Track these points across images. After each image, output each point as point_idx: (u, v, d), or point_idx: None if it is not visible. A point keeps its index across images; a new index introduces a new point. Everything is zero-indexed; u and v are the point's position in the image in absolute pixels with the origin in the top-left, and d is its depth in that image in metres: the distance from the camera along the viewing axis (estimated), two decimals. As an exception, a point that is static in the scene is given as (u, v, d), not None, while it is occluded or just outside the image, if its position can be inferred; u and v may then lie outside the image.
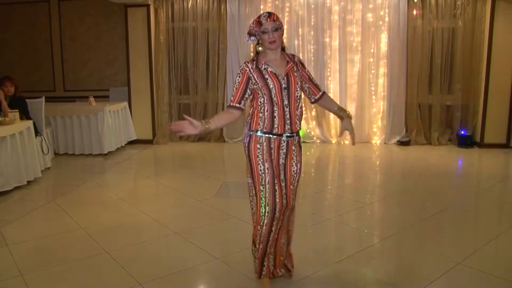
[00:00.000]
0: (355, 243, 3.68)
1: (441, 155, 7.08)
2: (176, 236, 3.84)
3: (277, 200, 2.70)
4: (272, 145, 2.72)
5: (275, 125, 2.69)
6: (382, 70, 7.70)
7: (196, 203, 4.76)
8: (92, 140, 7.11)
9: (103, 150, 7.08)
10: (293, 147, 2.78)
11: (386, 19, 7.55)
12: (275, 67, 2.69)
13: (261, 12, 7.72)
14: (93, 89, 8.35)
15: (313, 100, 2.90)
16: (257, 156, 2.71)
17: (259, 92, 2.68)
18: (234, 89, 2.73)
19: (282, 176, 2.75)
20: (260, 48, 2.71)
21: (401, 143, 7.65)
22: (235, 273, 3.16)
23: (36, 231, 4.11)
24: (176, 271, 3.17)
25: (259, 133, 2.71)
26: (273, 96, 2.66)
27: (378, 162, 6.91)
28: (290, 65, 2.73)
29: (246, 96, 2.73)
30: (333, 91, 7.84)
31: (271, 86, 2.65)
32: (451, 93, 7.58)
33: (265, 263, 2.85)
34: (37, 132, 5.97)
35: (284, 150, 2.75)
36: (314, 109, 7.90)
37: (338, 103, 7.71)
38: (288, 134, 2.72)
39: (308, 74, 2.85)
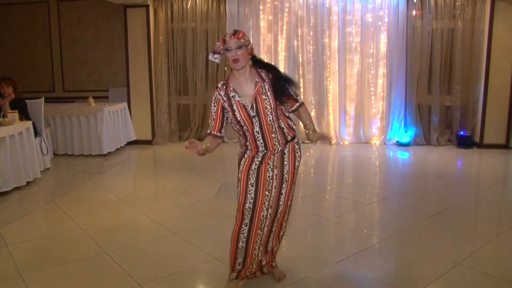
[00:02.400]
0: (355, 243, 3.68)
1: (441, 155, 7.08)
2: (176, 236, 3.84)
3: (247, 203, 2.66)
4: (246, 155, 2.72)
5: (249, 147, 2.70)
6: (382, 70, 7.71)
7: (195, 203, 4.76)
8: (92, 140, 7.11)
9: (103, 151, 7.08)
10: (272, 156, 2.69)
11: (386, 19, 7.56)
12: (243, 93, 2.65)
13: (260, 12, 7.79)
14: (92, 90, 8.34)
15: (288, 111, 2.80)
16: (241, 166, 2.72)
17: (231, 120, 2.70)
18: (212, 118, 2.73)
19: (252, 181, 2.68)
20: (226, 68, 2.70)
21: (400, 143, 7.66)
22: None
23: (36, 232, 4.10)
24: (176, 272, 3.17)
25: (246, 154, 2.73)
26: (243, 125, 2.66)
27: (377, 162, 6.91)
28: (258, 86, 2.65)
29: (225, 124, 2.73)
30: (332, 91, 7.84)
31: (238, 118, 2.64)
32: (451, 93, 7.59)
33: (236, 266, 2.79)
34: (36, 133, 5.97)
35: (259, 158, 2.69)
36: (313, 110, 7.90)
37: (337, 103, 7.79)
38: (265, 151, 2.68)
39: (283, 89, 2.73)
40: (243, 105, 2.63)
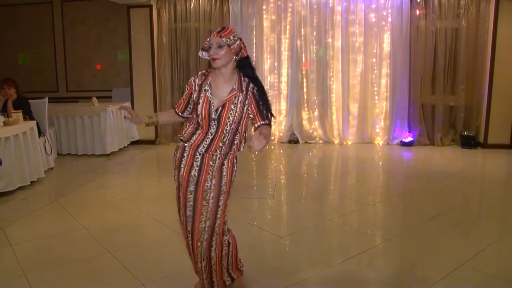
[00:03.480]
0: (358, 243, 3.68)
1: (444, 155, 7.06)
2: (178, 236, 3.83)
3: (187, 211, 2.62)
4: (185, 154, 2.62)
5: (192, 139, 2.60)
6: (385, 70, 7.70)
7: (198, 203, 4.76)
8: (95, 140, 7.13)
9: (106, 151, 7.09)
10: (211, 162, 2.59)
11: (389, 19, 7.55)
12: (216, 94, 2.56)
13: (264, 12, 7.78)
14: (95, 90, 8.36)
15: (253, 127, 2.63)
16: (174, 161, 2.68)
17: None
18: (182, 98, 2.71)
19: (191, 188, 2.60)
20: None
21: (404, 143, 7.64)
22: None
23: (39, 231, 4.11)
24: (179, 272, 3.17)
25: (180, 142, 2.66)
26: (199, 121, 2.58)
27: (381, 162, 6.90)
28: (232, 94, 2.54)
29: (189, 108, 2.68)
30: (335, 91, 7.84)
31: (199, 113, 2.56)
32: (455, 93, 7.57)
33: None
34: (40, 133, 5.98)
35: (198, 163, 2.59)
36: (317, 110, 7.90)
37: (341, 103, 7.76)
38: (204, 149, 2.58)
39: (258, 104, 2.58)
40: (209, 104, 2.54)
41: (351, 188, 5.52)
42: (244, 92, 2.56)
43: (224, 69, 2.55)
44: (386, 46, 7.63)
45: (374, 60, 7.69)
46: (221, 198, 2.61)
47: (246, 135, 2.68)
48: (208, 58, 2.58)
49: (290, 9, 7.81)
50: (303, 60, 7.86)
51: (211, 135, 2.57)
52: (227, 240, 2.75)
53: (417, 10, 7.42)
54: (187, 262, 3.31)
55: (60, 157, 7.04)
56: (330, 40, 7.76)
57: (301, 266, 3.25)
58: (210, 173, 2.59)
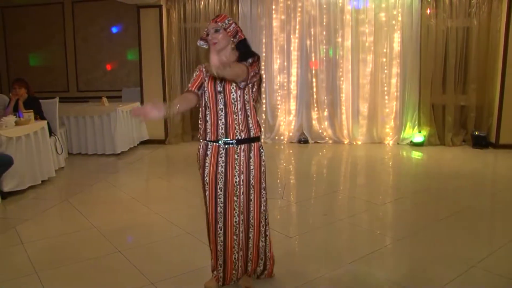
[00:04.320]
0: (368, 244, 3.66)
1: (455, 156, 7.00)
2: (188, 236, 3.85)
3: (218, 208, 2.67)
4: (208, 152, 2.67)
5: (208, 130, 2.66)
6: (395, 70, 7.65)
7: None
8: (105, 140, 7.17)
9: (116, 150, 7.13)
10: (236, 156, 2.63)
11: (399, 18, 7.50)
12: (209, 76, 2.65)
13: (273, 12, 7.78)
14: (105, 90, 8.41)
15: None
16: (198, 161, 2.72)
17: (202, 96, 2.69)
18: (192, 80, 2.73)
19: (221, 185, 2.65)
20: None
21: (414, 143, 7.59)
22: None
23: (50, 230, 4.15)
24: (188, 271, 3.18)
25: (201, 140, 2.72)
26: (206, 99, 2.66)
27: (390, 162, 6.85)
28: (232, 62, 2.61)
29: (202, 86, 2.71)
30: (345, 91, 7.80)
31: (205, 89, 2.66)
32: (466, 93, 7.49)
33: (218, 267, 2.79)
34: (51, 132, 6.03)
35: (223, 158, 2.64)
36: (326, 109, 7.88)
37: (350, 103, 7.72)
38: (226, 141, 2.62)
39: (257, 81, 2.69)
40: (214, 79, 2.61)
41: (361, 188, 5.50)
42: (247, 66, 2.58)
43: (223, 52, 2.62)
44: (396, 46, 7.58)
45: (384, 59, 7.65)
46: (251, 192, 2.67)
47: (257, 116, 2.71)
48: (206, 47, 2.65)
49: (299, 9, 7.80)
50: (313, 59, 7.83)
51: (222, 111, 2.61)
52: (264, 231, 2.78)
53: (428, 9, 7.37)
54: (197, 261, 3.33)
55: (70, 156, 7.09)
56: (339, 39, 7.73)
57: (310, 266, 3.24)
58: (237, 168, 2.63)
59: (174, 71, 8.04)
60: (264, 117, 8.08)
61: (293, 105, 8.04)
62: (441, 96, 7.55)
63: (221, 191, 2.65)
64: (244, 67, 2.52)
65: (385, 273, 3.15)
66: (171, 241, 3.78)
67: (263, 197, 2.72)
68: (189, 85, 2.74)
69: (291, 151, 7.52)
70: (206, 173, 2.67)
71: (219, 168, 2.64)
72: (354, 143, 7.83)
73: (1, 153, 4.93)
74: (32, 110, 5.59)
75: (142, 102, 8.00)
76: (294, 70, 7.95)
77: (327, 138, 7.96)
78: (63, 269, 3.26)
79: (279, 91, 8.03)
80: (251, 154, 2.66)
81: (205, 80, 2.68)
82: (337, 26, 7.71)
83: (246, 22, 7.87)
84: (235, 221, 2.66)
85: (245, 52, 2.65)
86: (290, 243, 3.71)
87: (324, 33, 7.77)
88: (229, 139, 2.62)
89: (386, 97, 7.74)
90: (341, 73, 7.80)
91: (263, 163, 2.72)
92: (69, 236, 3.93)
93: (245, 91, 2.63)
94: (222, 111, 2.62)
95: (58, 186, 5.65)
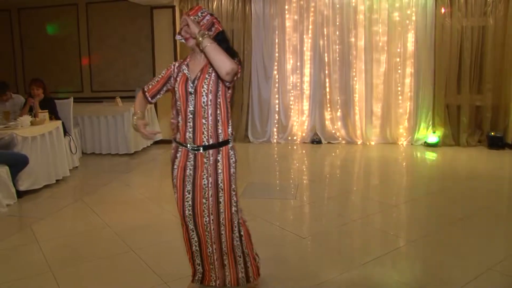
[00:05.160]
0: (381, 245, 3.63)
1: (470, 157, 6.91)
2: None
3: (186, 211, 2.66)
4: (178, 154, 2.64)
5: (178, 134, 2.61)
6: (409, 70, 7.59)
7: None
8: (119, 140, 7.22)
9: (129, 150, 7.18)
10: (205, 160, 2.57)
11: (413, 18, 7.44)
12: (192, 69, 2.57)
13: (286, 12, 7.76)
14: (119, 90, 8.46)
15: None
16: (175, 171, 2.66)
17: (174, 95, 2.62)
18: (155, 81, 2.69)
19: (188, 188, 2.62)
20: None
21: (428, 144, 7.52)
22: (262, 274, 3.14)
23: (65, 229, 4.19)
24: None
25: (173, 143, 2.68)
26: (177, 98, 2.57)
27: (404, 163, 6.80)
28: (207, 64, 2.53)
29: (161, 93, 2.68)
30: (358, 91, 7.77)
31: (176, 89, 2.57)
32: (481, 93, 7.40)
33: (197, 266, 2.83)
34: (65, 132, 6.08)
35: (192, 162, 2.60)
36: (339, 110, 7.84)
37: (364, 103, 7.67)
38: (194, 147, 2.56)
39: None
40: (186, 79, 2.54)
41: (374, 189, 5.46)
42: None
43: (195, 48, 2.53)
44: (410, 45, 7.52)
45: (398, 59, 7.59)
46: (220, 195, 2.60)
47: (230, 118, 2.60)
48: (184, 41, 2.56)
49: (312, 9, 7.78)
50: (326, 59, 7.80)
51: (191, 113, 2.52)
52: (237, 231, 2.70)
53: (442, 8, 7.29)
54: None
55: (84, 156, 7.15)
56: (353, 39, 7.70)
57: (323, 267, 3.22)
58: (205, 171, 2.58)
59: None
60: (277, 117, 8.08)
61: (306, 105, 8.02)
62: (456, 96, 7.47)
63: (188, 193, 2.62)
64: (234, 61, 2.39)
65: (398, 275, 3.12)
66: (183, 241, 3.78)
67: (234, 198, 2.63)
68: (149, 86, 2.70)
69: (304, 152, 7.50)
70: (174, 175, 2.65)
71: (187, 171, 2.61)
72: (368, 144, 7.78)
73: (17, 153, 4.99)
74: (47, 110, 5.65)
75: (156, 103, 7.99)
76: (307, 70, 7.93)
77: (340, 139, 7.93)
78: (77, 268, 3.28)
79: (292, 91, 8.02)
80: (218, 157, 2.58)
81: (176, 81, 2.59)
82: (350, 26, 7.67)
83: (259, 22, 7.88)
84: (205, 221, 2.65)
85: (226, 48, 2.46)
86: (302, 243, 3.70)
87: (337, 33, 7.74)
88: (196, 146, 2.56)
89: (400, 97, 7.68)
90: (354, 73, 7.76)
91: (233, 165, 2.61)
92: (83, 235, 3.96)
93: (218, 94, 2.53)
94: (191, 114, 2.53)
95: (73, 185, 5.70)
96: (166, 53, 7.98)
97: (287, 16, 7.87)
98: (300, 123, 8.06)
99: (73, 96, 6.75)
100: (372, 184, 5.74)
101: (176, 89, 2.58)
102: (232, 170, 2.61)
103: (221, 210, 2.62)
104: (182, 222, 2.72)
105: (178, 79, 2.58)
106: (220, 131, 2.55)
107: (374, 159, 6.97)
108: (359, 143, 7.83)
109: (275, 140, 8.13)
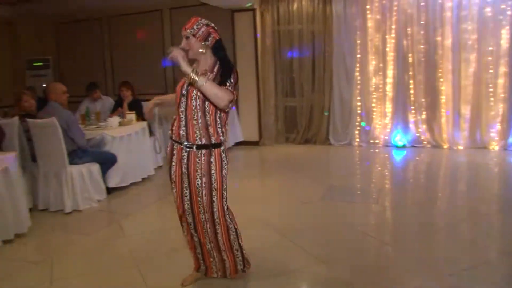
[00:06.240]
0: (470, 256, 3.40)
1: None
2: (281, 237, 3.85)
3: (185, 205, 2.82)
4: (174, 152, 2.80)
5: (173, 128, 2.78)
6: (502, 69, 7.07)
7: (302, 205, 4.75)
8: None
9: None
10: (197, 160, 2.70)
11: (508, 13, 6.92)
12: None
13: (368, 12, 7.58)
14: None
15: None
16: (168, 158, 2.85)
17: None
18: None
19: (185, 184, 2.78)
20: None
21: (523, 149, 6.98)
22: (340, 280, 3.08)
23: (150, 225, 4.38)
24: (279, 272, 3.18)
25: (174, 150, 2.83)
26: (176, 100, 2.76)
27: (496, 169, 6.34)
28: (202, 72, 2.69)
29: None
30: (445, 93, 7.37)
31: (176, 89, 2.77)
32: None
33: (200, 261, 3.03)
34: (151, 132, 6.35)
35: (185, 160, 2.73)
36: (424, 112, 7.51)
37: (451, 105, 7.26)
38: (187, 144, 2.70)
39: (219, 78, 2.68)
40: (184, 83, 2.73)
41: (462, 195, 5.15)
42: (215, 73, 2.69)
43: (198, 57, 2.74)
44: (504, 43, 7.00)
45: (490, 58, 7.10)
46: (214, 194, 2.74)
47: (221, 125, 2.73)
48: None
49: (395, 8, 7.51)
50: (410, 60, 7.51)
51: (182, 114, 2.70)
52: (233, 226, 2.87)
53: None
54: (290, 263, 3.32)
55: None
56: (439, 38, 7.32)
57: (404, 274, 3.09)
58: (199, 171, 2.71)
59: (268, 74, 8.14)
60: (358, 119, 7.90)
61: (389, 107, 7.76)
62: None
63: (186, 190, 2.78)
64: (228, 91, 2.58)
65: (490, 289, 2.91)
66: (264, 242, 3.79)
67: (224, 197, 2.79)
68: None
69: (386, 155, 7.26)
70: (172, 172, 2.82)
71: (183, 168, 2.76)
72: (455, 148, 7.36)
73: (107, 152, 5.30)
74: (134, 112, 5.94)
75: (236, 104, 8.10)
76: (390, 72, 7.68)
77: (425, 142, 7.58)
78: (161, 264, 3.40)
79: (374, 93, 7.80)
80: (211, 159, 2.70)
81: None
82: (436, 25, 7.31)
83: (340, 23, 7.76)
84: (202, 218, 2.79)
85: (222, 57, 2.73)
86: (384, 249, 3.58)
87: (422, 32, 7.41)
88: (189, 143, 2.70)
89: (492, 99, 7.18)
90: (440, 74, 7.39)
91: (225, 166, 2.76)
92: (167, 232, 4.10)
93: (206, 101, 2.64)
94: (183, 114, 2.70)
95: (157, 184, 5.93)
96: (247, 55, 8.09)
97: (369, 16, 7.67)
98: (382, 126, 7.83)
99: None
100: (460, 191, 5.42)
101: (176, 88, 2.80)
102: (224, 171, 2.76)
103: (215, 209, 2.76)
104: (181, 218, 2.91)
105: (180, 82, 2.80)
106: (211, 132, 2.69)
107: (462, 164, 6.59)
108: (445, 147, 7.43)
109: (356, 143, 7.95)
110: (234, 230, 2.88)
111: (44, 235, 4.23)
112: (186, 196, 2.80)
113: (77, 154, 4.94)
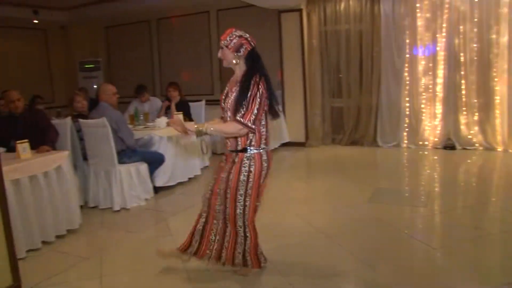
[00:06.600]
0: (526, 264, 3.26)
1: None
2: (327, 239, 3.82)
3: (207, 194, 3.03)
4: (223, 158, 3.06)
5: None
6: None
7: (348, 207, 4.69)
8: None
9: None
10: (230, 159, 2.91)
11: None
12: (230, 85, 2.93)
13: (417, 10, 7.38)
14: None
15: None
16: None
17: None
18: None
19: (215, 175, 3.03)
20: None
21: None
22: (386, 284, 3.02)
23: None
24: (325, 274, 3.17)
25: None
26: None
27: (555, 173, 6.03)
28: (234, 85, 2.86)
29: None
30: (500, 93, 7.06)
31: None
32: None
33: (194, 243, 3.13)
34: (198, 133, 6.44)
35: (224, 158, 3.03)
36: (476, 114, 7.23)
37: (506, 106, 6.93)
38: (228, 150, 2.94)
39: (235, 98, 2.78)
40: (226, 93, 2.92)
41: (517, 200, 4.93)
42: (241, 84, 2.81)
43: (233, 66, 2.92)
44: None
45: (548, 57, 6.77)
46: (228, 191, 2.88)
47: (252, 134, 2.84)
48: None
49: (447, 5, 7.27)
50: (462, 60, 7.25)
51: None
52: (242, 231, 2.97)
53: None
54: (336, 265, 3.29)
55: (214, 156, 7.48)
56: (494, 36, 7.02)
57: (454, 281, 2.99)
58: (227, 168, 2.91)
59: (315, 74, 8.09)
60: (407, 121, 7.71)
61: (439, 108, 7.53)
62: None
63: (213, 180, 3.01)
64: (233, 124, 2.74)
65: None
66: (309, 243, 3.78)
67: (240, 202, 2.87)
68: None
69: (436, 158, 7.05)
70: (217, 166, 3.10)
71: (221, 163, 3.02)
72: (510, 151, 7.05)
73: (155, 151, 5.43)
74: (182, 112, 6.05)
75: (283, 104, 8.08)
76: (440, 72, 7.44)
77: (477, 145, 7.30)
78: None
79: (423, 94, 7.58)
80: (236, 160, 2.87)
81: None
82: (490, 22, 7.02)
83: (388, 22, 7.60)
84: (217, 209, 2.96)
85: (251, 65, 2.87)
86: (433, 254, 3.48)
87: (475, 30, 7.14)
88: (228, 149, 2.94)
89: (550, 99, 6.83)
90: (495, 74, 7.10)
91: (245, 173, 2.84)
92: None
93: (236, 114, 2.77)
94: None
95: (203, 183, 5.99)
96: (294, 56, 8.06)
97: (418, 14, 7.47)
98: (432, 128, 7.60)
99: (205, 98, 7.13)
100: (515, 195, 5.19)
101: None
102: (241, 176, 2.84)
103: (227, 205, 2.91)
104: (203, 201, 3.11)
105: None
106: (239, 142, 2.86)
107: (517, 168, 6.31)
108: (499, 150, 7.13)
109: (405, 145, 7.76)
110: (244, 237, 3.00)
111: (94, 231, 4.40)
112: (210, 186, 3.03)
113: (126, 154, 5.08)
